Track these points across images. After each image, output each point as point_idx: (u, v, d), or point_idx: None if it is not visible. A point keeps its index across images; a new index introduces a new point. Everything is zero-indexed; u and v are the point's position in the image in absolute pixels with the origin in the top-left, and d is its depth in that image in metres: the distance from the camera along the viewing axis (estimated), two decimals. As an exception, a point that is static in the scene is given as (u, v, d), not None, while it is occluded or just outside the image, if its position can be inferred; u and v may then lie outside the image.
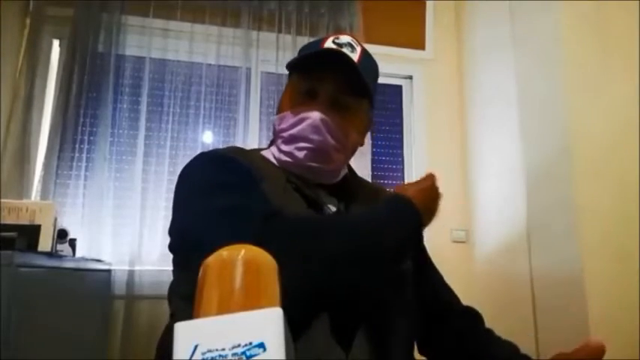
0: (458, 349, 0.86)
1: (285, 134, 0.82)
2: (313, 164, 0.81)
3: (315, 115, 0.79)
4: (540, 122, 1.94)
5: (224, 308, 0.37)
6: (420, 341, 0.90)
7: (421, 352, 0.91)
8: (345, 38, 0.84)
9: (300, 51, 0.91)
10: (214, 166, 0.78)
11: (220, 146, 2.30)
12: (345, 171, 0.90)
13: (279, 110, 0.87)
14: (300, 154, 0.80)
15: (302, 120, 0.80)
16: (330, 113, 0.81)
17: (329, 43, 0.82)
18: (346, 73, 0.80)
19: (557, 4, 1.88)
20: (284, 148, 0.83)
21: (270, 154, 0.86)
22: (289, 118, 0.82)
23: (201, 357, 0.33)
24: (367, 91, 0.83)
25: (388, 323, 0.75)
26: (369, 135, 2.34)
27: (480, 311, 0.91)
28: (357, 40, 0.86)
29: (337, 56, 0.80)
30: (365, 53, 0.85)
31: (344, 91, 0.82)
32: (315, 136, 0.79)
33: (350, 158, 0.90)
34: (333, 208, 0.83)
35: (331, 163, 0.83)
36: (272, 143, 0.90)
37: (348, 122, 0.83)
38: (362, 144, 0.92)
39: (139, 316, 2.03)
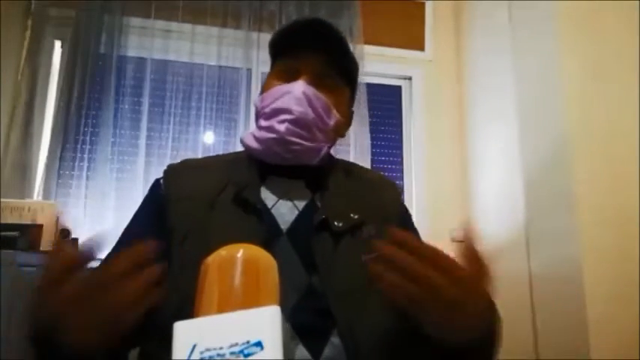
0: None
1: (267, 109, 0.79)
2: (293, 139, 0.77)
3: (298, 88, 0.77)
4: (539, 122, 1.94)
5: (224, 307, 0.38)
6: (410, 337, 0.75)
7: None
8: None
9: (273, 40, 0.85)
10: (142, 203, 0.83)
11: (221, 146, 2.32)
12: (324, 151, 0.83)
13: (262, 93, 0.84)
14: (281, 127, 0.76)
15: (285, 93, 0.78)
16: (314, 89, 0.79)
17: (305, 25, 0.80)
18: (333, 45, 0.79)
19: (556, 4, 1.88)
20: (264, 123, 0.79)
21: (251, 136, 0.82)
22: (273, 94, 0.79)
23: (199, 356, 0.33)
24: (354, 65, 0.82)
25: (362, 320, 0.69)
26: (368, 135, 2.42)
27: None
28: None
29: (322, 27, 0.78)
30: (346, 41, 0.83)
31: (329, 69, 0.80)
32: (296, 107, 0.76)
33: (331, 143, 0.86)
34: (299, 204, 0.78)
35: (311, 139, 0.79)
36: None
37: (331, 101, 0.80)
38: (343, 135, 0.89)
39: (140, 316, 2.03)
